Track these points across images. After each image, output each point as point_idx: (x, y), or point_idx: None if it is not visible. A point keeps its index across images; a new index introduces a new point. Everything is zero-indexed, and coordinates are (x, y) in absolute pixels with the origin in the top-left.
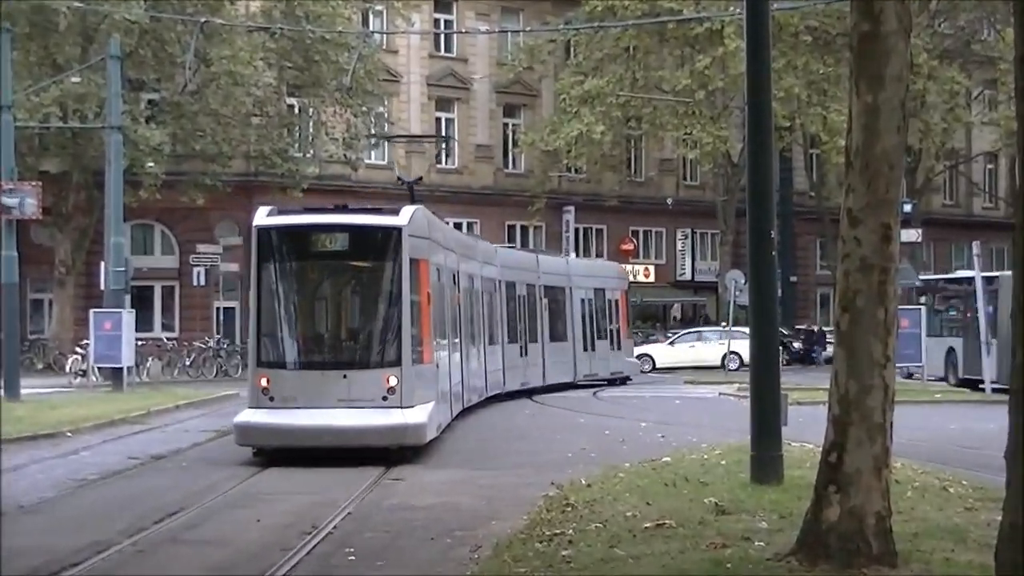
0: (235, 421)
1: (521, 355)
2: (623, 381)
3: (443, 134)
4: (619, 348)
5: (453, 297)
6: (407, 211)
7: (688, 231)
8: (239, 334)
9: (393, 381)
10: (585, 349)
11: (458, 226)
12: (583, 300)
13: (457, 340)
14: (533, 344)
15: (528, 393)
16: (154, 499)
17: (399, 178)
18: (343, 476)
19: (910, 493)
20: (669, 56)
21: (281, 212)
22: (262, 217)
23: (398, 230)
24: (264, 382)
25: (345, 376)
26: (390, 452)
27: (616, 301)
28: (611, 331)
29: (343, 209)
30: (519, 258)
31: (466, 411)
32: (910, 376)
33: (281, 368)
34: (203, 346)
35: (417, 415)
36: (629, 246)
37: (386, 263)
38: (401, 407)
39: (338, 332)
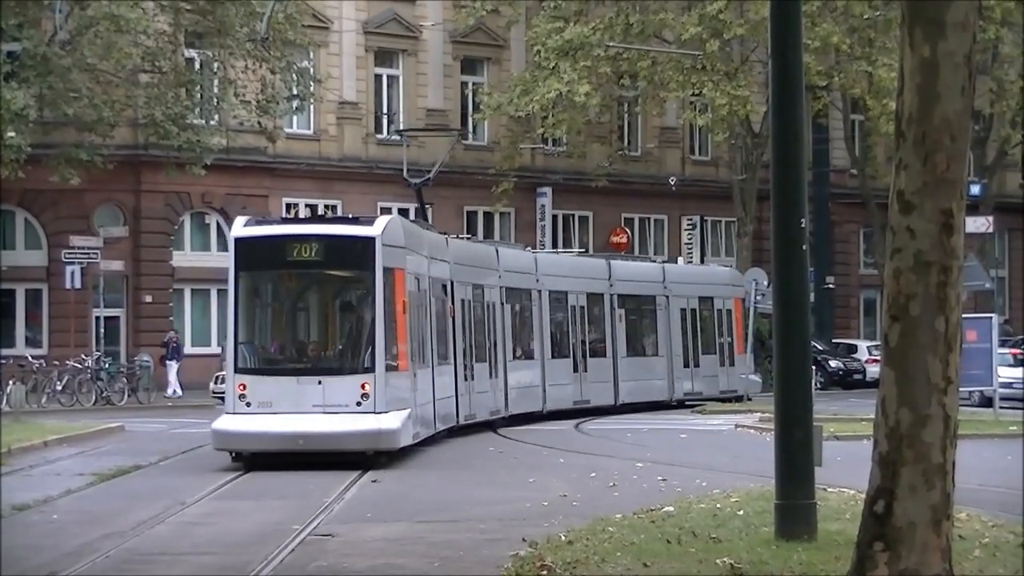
0: (213, 426)
1: (575, 371)
2: (739, 400)
3: (456, 127)
4: (732, 364)
5: (446, 308)
6: (381, 221)
7: (696, 219)
8: (124, 351)
9: (367, 387)
10: (686, 365)
11: (403, 212)
12: (684, 310)
13: (450, 352)
14: (597, 359)
15: (588, 413)
16: (12, 564)
17: (405, 178)
18: (261, 527)
19: (978, 552)
20: None
21: (259, 222)
22: (239, 228)
23: (371, 240)
24: (241, 388)
25: (320, 382)
26: (365, 456)
27: (729, 311)
28: (721, 345)
29: (320, 219)
30: (573, 265)
31: (463, 430)
32: (989, 403)
33: (258, 374)
34: (79, 366)
35: (390, 421)
36: (621, 238)
37: (360, 272)
38: (375, 412)
39: (313, 339)
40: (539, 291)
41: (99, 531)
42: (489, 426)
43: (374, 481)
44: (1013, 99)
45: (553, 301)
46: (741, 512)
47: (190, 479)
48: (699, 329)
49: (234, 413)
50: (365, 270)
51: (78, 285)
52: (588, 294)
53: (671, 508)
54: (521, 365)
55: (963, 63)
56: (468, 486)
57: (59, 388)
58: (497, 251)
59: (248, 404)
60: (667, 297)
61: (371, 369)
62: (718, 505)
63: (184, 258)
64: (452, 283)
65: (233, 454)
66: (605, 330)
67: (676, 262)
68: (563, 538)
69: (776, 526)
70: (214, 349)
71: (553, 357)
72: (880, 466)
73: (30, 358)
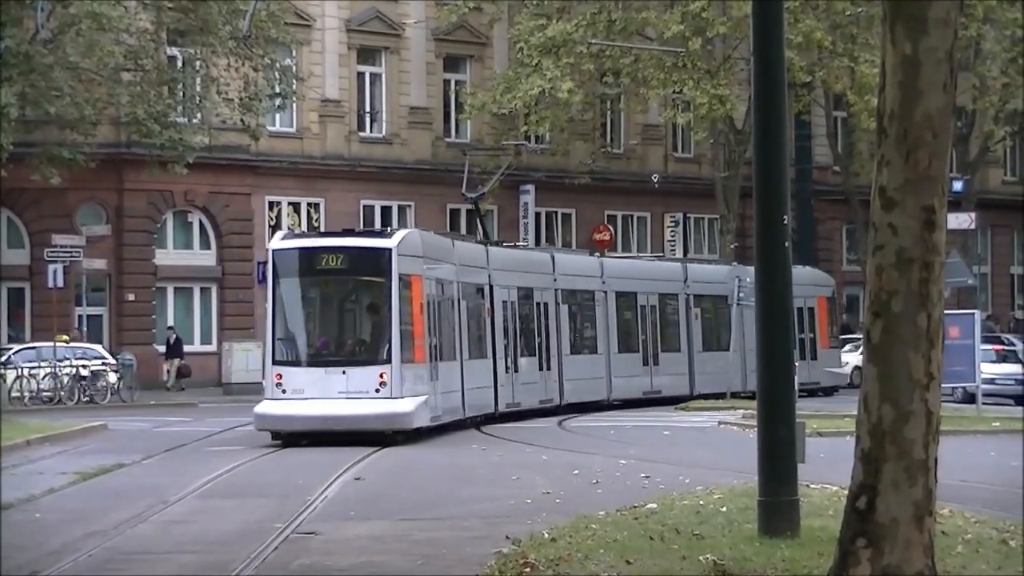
0: (255, 411)
1: (644, 364)
2: (827, 392)
3: (520, 143)
4: (814, 358)
5: (482, 309)
6: (399, 234)
7: (679, 216)
8: (107, 349)
9: (385, 376)
10: None
11: (386, 210)
12: None
13: (488, 347)
14: (670, 354)
15: (658, 402)
16: None
17: (463, 194)
18: (244, 525)
19: (961, 548)
20: None
21: (294, 236)
22: (277, 241)
23: (388, 250)
24: (278, 377)
25: (344, 372)
26: (384, 435)
27: (812, 309)
28: (801, 340)
29: (350, 232)
30: (644, 269)
31: (507, 417)
32: (972, 400)
33: (292, 366)
34: (62, 364)
35: (405, 405)
36: (604, 235)
37: (379, 278)
38: (391, 398)
39: (339, 335)
40: (604, 292)
41: (81, 530)
42: (540, 414)
43: (357, 479)
44: (995, 95)
45: (620, 301)
46: (724, 509)
47: (173, 477)
48: None
49: (272, 399)
50: (383, 276)
51: (61, 284)
52: (660, 294)
53: (654, 505)
54: (581, 359)
55: (945, 59)
56: (451, 484)
57: (42, 387)
58: (553, 257)
59: (284, 391)
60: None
61: (388, 361)
62: (701, 502)
63: (167, 256)
64: (492, 287)
65: (272, 434)
66: (680, 327)
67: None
68: (546, 536)
69: (759, 523)
70: (198, 347)
71: (620, 351)
72: (863, 462)
73: (13, 356)
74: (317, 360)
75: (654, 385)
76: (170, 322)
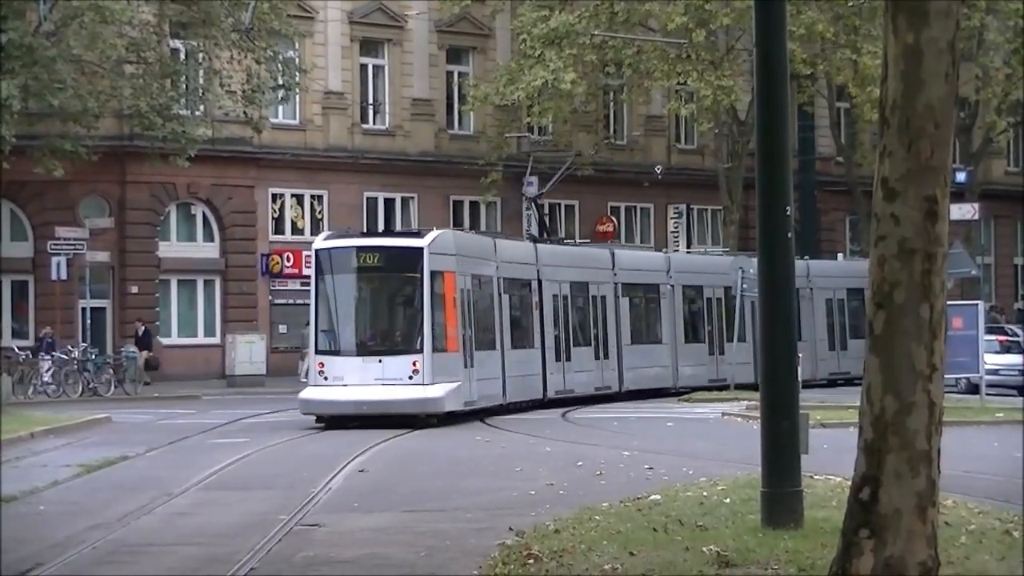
0: (299, 396)
1: (711, 354)
2: None
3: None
4: None
5: (529, 302)
6: (432, 234)
7: (682, 207)
8: (110, 342)
9: (417, 364)
10: (831, 348)
11: (389, 202)
12: (829, 300)
13: (535, 337)
14: (736, 344)
15: (726, 389)
16: None
17: (523, 194)
18: (247, 517)
19: (964, 539)
20: None
21: (337, 236)
22: (320, 241)
23: (420, 249)
24: (320, 366)
25: (380, 361)
26: (417, 419)
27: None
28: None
29: (388, 232)
30: (708, 263)
31: (560, 403)
32: (975, 390)
33: (333, 355)
34: (65, 357)
35: (436, 391)
36: (607, 226)
37: (412, 274)
38: (423, 384)
39: (376, 327)
40: (671, 286)
41: (85, 522)
42: (597, 400)
43: (361, 471)
44: (998, 86)
45: (687, 294)
46: (728, 500)
47: (177, 470)
48: (846, 317)
49: (315, 385)
50: (415, 273)
51: (64, 276)
52: (725, 287)
53: (658, 496)
54: (643, 348)
55: (947, 50)
56: (455, 475)
57: (46, 379)
58: (612, 253)
59: (325, 378)
60: (811, 289)
61: (420, 350)
62: (705, 493)
63: (170, 249)
64: (540, 281)
65: (316, 417)
66: (745, 318)
67: (836, 259)
68: (550, 527)
69: (763, 514)
70: (201, 340)
71: (687, 342)
72: (865, 453)
73: (16, 349)
74: (356, 350)
75: (720, 373)
76: (174, 314)
